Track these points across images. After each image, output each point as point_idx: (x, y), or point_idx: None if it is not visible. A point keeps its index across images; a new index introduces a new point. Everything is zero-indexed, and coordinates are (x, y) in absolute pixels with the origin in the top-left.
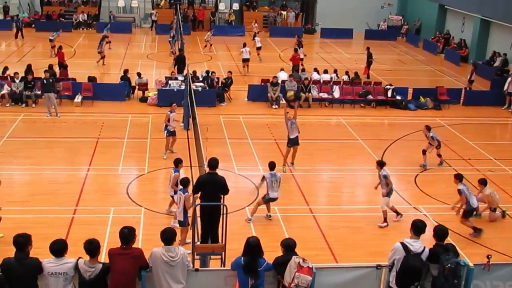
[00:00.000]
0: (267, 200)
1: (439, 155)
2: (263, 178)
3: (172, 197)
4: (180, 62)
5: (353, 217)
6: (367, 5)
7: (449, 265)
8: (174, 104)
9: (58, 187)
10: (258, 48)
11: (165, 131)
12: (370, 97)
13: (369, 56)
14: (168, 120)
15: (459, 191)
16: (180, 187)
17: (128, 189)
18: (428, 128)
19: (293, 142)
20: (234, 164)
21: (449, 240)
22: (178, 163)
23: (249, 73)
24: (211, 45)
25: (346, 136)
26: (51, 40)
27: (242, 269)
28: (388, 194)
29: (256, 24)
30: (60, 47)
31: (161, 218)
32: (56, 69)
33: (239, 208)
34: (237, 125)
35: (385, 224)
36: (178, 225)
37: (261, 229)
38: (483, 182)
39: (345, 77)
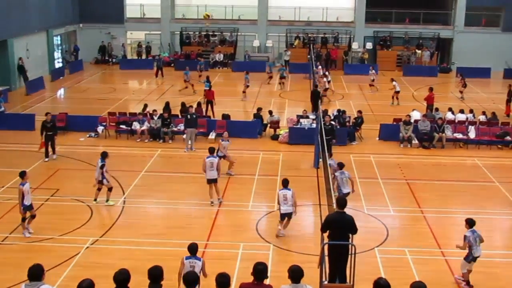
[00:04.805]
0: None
1: None
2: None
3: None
4: (315, 98)
5: (489, 262)
6: (507, 43)
7: None
8: (226, 133)
9: (191, 221)
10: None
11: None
12: (508, 138)
13: (510, 94)
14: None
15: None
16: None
17: (257, 225)
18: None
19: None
20: (364, 204)
21: None
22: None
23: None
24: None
25: (481, 178)
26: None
27: None
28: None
29: (320, 66)
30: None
31: (290, 256)
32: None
33: (368, 248)
34: (368, 164)
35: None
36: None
37: (390, 270)
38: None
39: (482, 117)
